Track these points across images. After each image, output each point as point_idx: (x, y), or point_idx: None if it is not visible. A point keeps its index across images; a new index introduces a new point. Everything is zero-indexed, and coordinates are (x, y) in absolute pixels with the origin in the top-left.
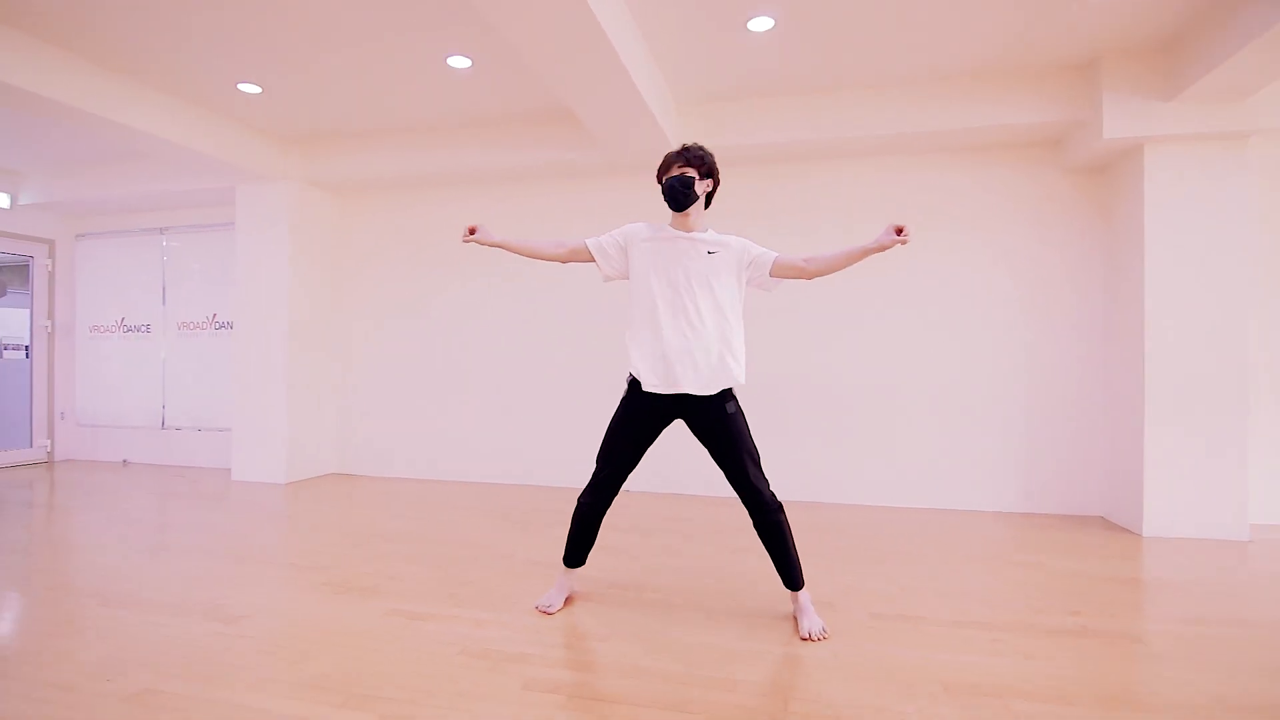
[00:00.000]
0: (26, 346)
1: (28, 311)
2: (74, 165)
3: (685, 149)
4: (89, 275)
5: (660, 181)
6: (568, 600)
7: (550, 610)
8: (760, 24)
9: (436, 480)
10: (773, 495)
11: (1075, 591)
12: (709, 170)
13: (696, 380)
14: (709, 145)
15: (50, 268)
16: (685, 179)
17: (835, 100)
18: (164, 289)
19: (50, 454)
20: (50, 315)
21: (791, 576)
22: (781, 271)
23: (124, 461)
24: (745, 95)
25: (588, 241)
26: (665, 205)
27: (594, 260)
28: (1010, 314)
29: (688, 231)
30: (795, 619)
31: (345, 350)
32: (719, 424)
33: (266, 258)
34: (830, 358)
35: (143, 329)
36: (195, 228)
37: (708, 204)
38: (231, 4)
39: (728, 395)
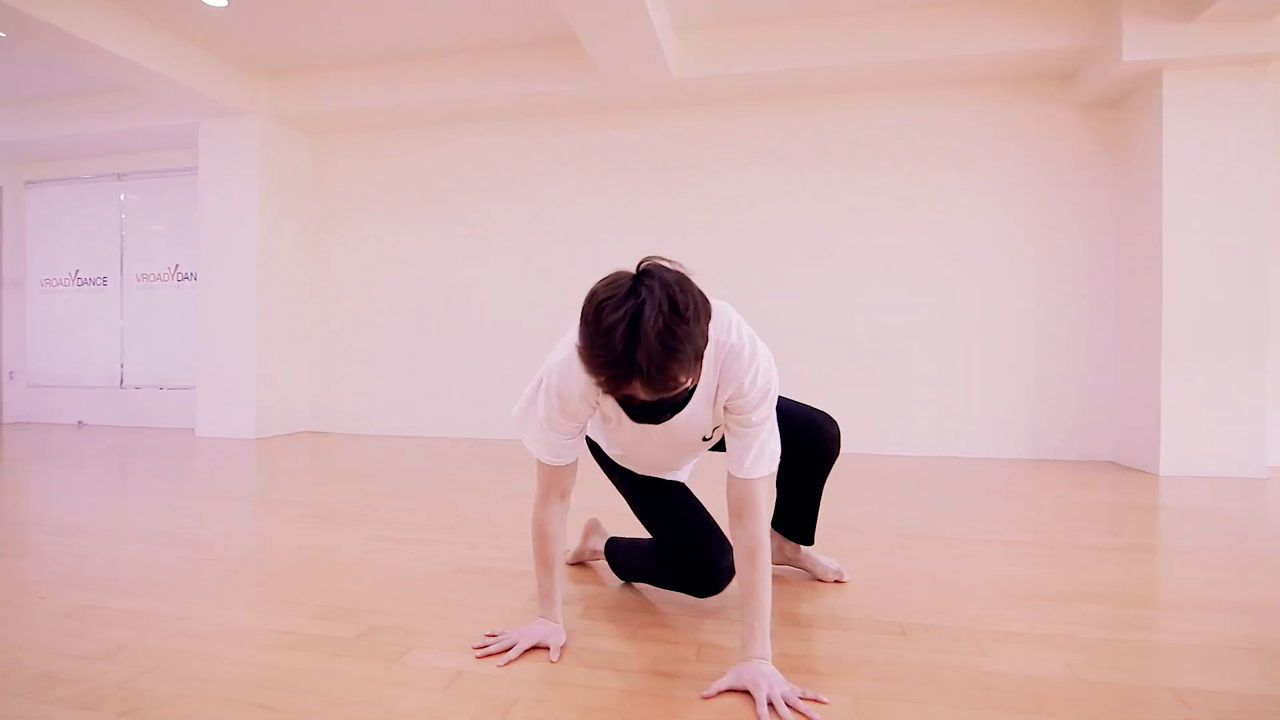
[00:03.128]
0: None
1: None
2: (21, 103)
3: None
4: (40, 225)
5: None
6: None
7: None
8: None
9: (417, 436)
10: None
11: (1109, 516)
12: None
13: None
14: (708, 74)
15: None
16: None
17: (837, 25)
18: (121, 239)
19: None
20: None
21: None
22: None
23: (79, 423)
24: (744, 21)
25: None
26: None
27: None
28: (1016, 256)
29: None
30: (809, 571)
31: (319, 302)
32: None
33: (233, 202)
34: (836, 308)
35: (99, 281)
36: (155, 173)
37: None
38: None
39: None
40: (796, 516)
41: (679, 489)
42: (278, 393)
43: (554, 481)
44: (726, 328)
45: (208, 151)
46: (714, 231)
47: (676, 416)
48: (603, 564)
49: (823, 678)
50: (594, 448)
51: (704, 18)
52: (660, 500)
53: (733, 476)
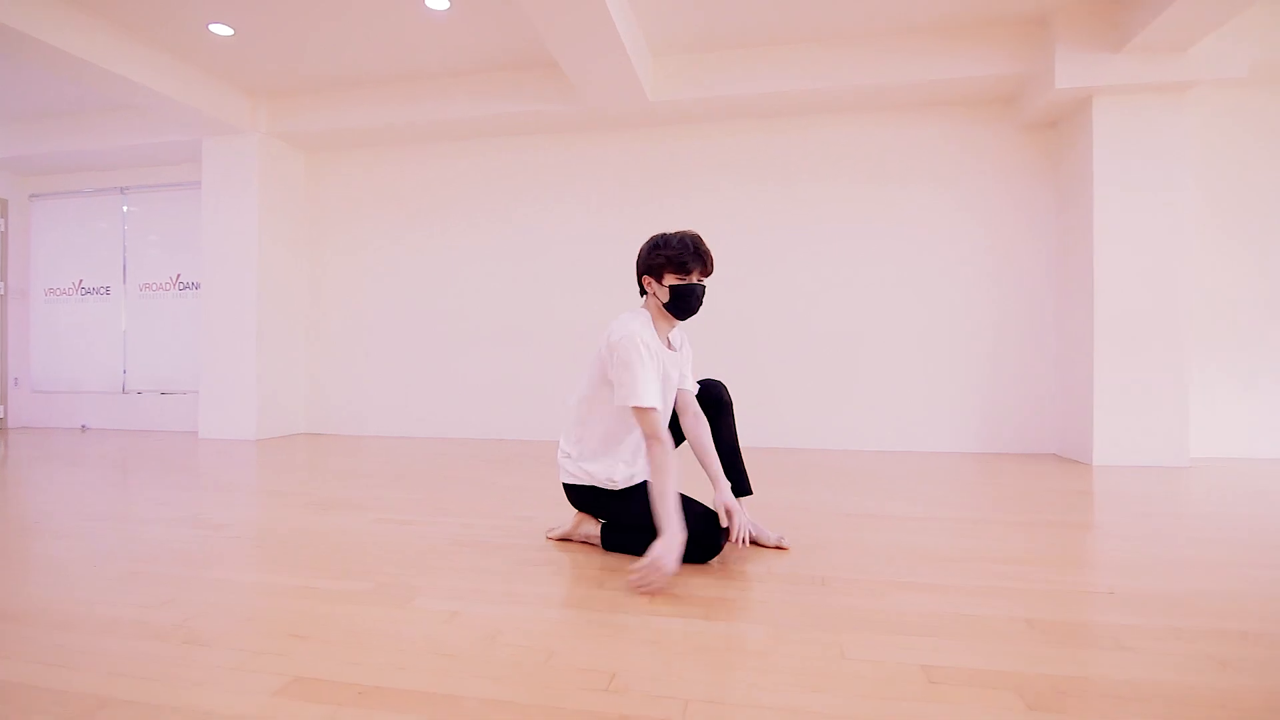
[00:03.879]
0: None
1: None
2: (29, 120)
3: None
4: (44, 236)
5: (679, 292)
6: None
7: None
8: None
9: (411, 437)
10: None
11: (1032, 498)
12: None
13: None
14: (680, 97)
15: (3, 228)
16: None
17: (798, 53)
18: (124, 250)
19: (3, 420)
20: (3, 278)
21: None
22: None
23: (83, 427)
24: (716, 48)
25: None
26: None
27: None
28: (970, 264)
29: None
30: (756, 540)
31: (316, 309)
32: None
33: (235, 214)
34: (803, 312)
35: (102, 291)
36: (157, 187)
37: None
38: None
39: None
40: (730, 472)
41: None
42: (277, 396)
43: (660, 422)
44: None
45: (210, 167)
46: None
47: (673, 360)
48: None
49: (752, 614)
50: (594, 498)
51: (679, 43)
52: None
53: (684, 391)
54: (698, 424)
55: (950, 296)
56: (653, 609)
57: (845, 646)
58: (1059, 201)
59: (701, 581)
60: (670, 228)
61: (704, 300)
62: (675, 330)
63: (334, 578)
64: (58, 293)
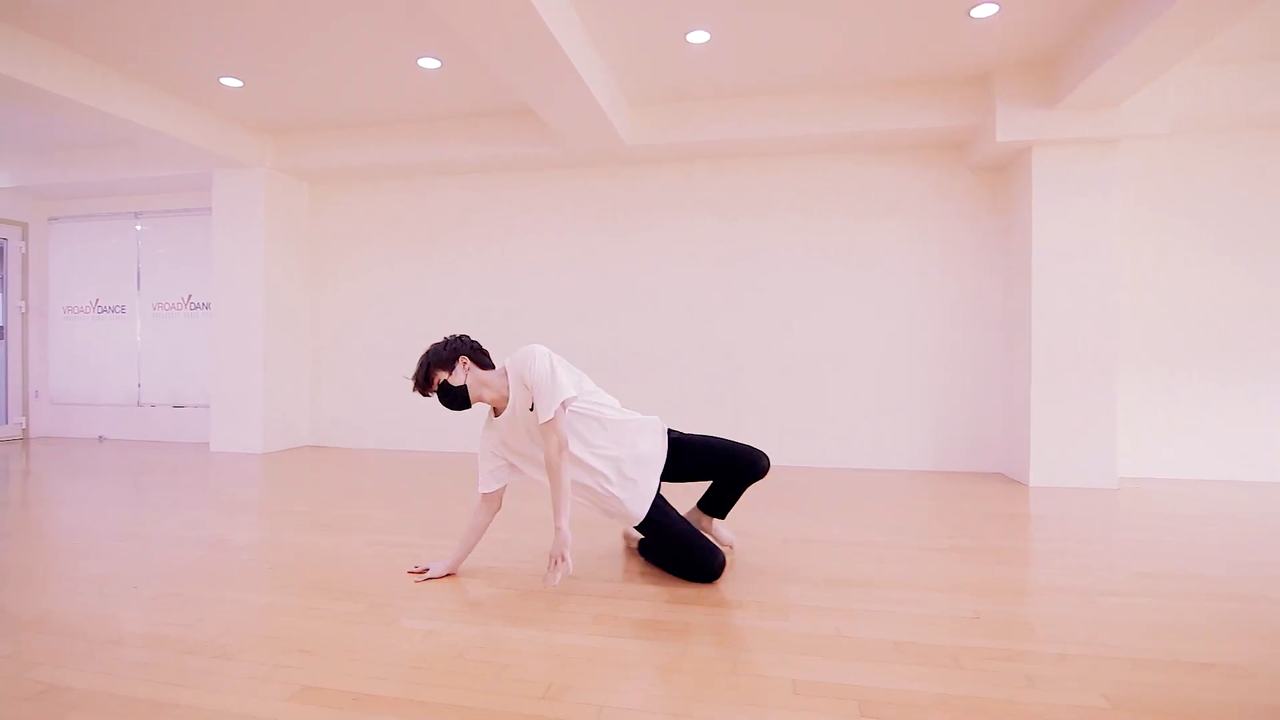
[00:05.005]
0: (1, 327)
1: (1, 293)
2: (50, 151)
3: (418, 373)
4: (63, 257)
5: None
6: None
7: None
8: (697, 37)
9: (405, 451)
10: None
11: (958, 523)
12: (447, 359)
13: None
14: (656, 142)
15: (24, 250)
16: (445, 387)
17: (768, 104)
18: (138, 271)
19: (25, 431)
20: (24, 296)
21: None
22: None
23: (100, 437)
24: (690, 98)
25: (480, 485)
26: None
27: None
28: (927, 294)
29: (504, 404)
30: (714, 538)
31: (320, 331)
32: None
33: (243, 242)
34: (770, 339)
35: (117, 309)
36: (169, 212)
37: (484, 366)
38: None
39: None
40: (718, 502)
41: (685, 523)
42: (282, 411)
43: (487, 495)
44: (524, 355)
45: (220, 197)
46: (666, 270)
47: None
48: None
49: (671, 633)
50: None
51: (653, 94)
52: (679, 526)
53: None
54: (552, 475)
55: (908, 324)
56: (597, 629)
57: (738, 661)
58: (1004, 240)
59: (640, 605)
60: (643, 260)
61: (451, 393)
62: (504, 389)
63: (333, 599)
64: (75, 310)
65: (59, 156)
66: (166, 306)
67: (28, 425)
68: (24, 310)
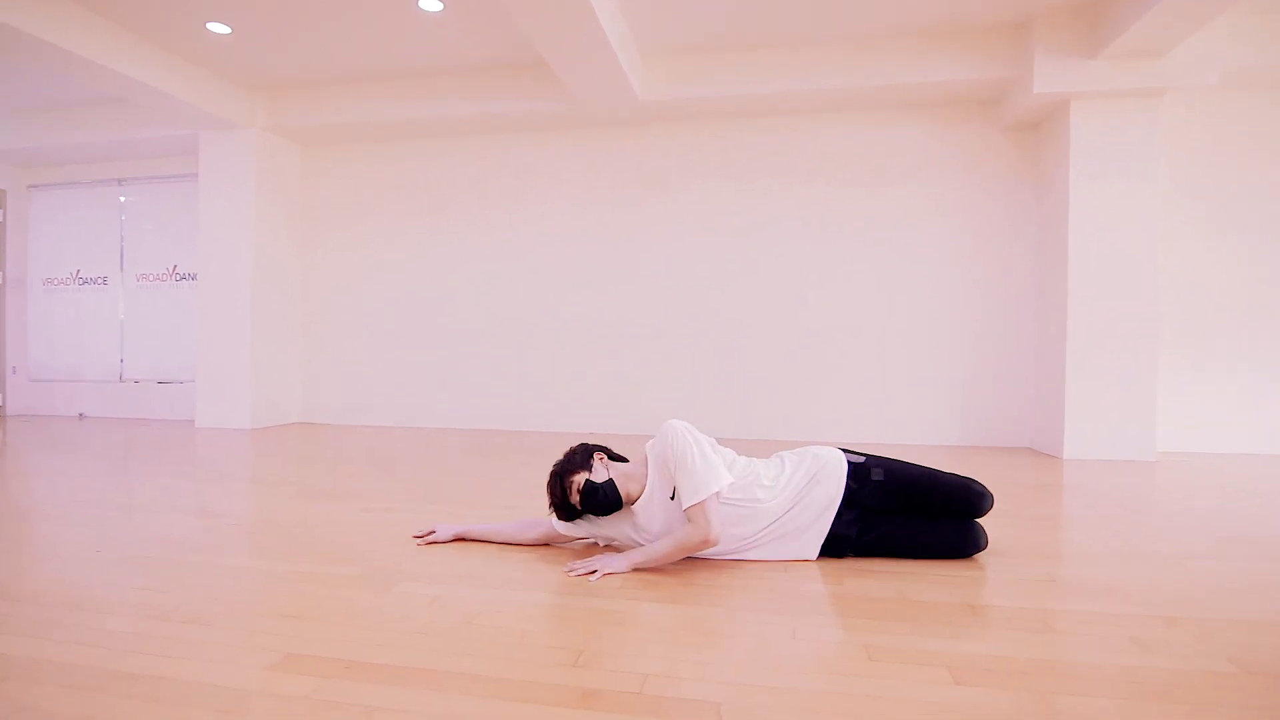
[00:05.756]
0: None
1: None
2: (29, 113)
3: (552, 487)
4: (42, 227)
5: (577, 505)
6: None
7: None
8: None
9: (401, 427)
10: None
11: (998, 491)
12: (580, 461)
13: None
14: (669, 96)
15: (2, 219)
16: (589, 487)
17: (786, 57)
18: (121, 241)
19: (2, 408)
20: (1, 267)
21: None
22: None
23: (80, 415)
24: (705, 50)
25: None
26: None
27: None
28: (952, 263)
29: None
30: None
31: (311, 302)
32: None
33: (231, 207)
34: (790, 309)
35: (99, 281)
36: (154, 179)
37: (617, 460)
38: None
39: None
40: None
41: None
42: (272, 386)
43: (549, 533)
44: (663, 436)
45: (207, 160)
46: (678, 237)
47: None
48: None
49: (712, 598)
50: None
51: (669, 46)
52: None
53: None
54: (665, 540)
55: (933, 294)
56: (620, 594)
57: (796, 628)
58: (1038, 203)
59: (667, 570)
60: (657, 227)
61: (606, 497)
62: (639, 491)
63: (326, 562)
64: (55, 282)
65: (39, 119)
66: (151, 278)
67: (4, 402)
68: (1, 282)
